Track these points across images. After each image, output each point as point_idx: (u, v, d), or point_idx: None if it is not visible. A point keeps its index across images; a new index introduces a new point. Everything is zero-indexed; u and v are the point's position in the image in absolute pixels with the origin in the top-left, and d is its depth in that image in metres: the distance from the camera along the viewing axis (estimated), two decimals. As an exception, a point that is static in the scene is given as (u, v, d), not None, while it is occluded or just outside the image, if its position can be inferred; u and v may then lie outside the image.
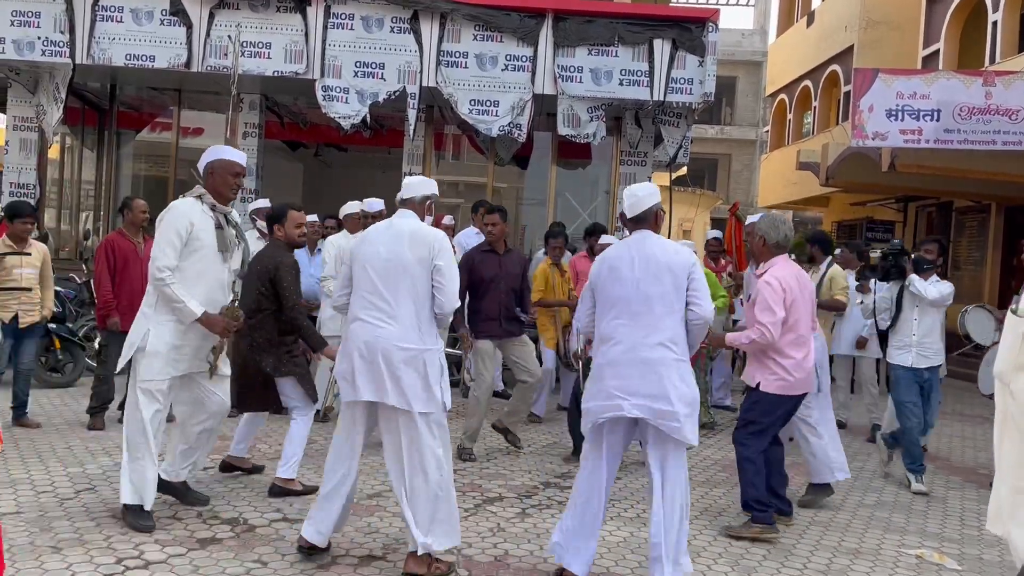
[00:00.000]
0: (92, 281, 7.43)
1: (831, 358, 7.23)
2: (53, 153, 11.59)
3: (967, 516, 5.53)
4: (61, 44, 9.48)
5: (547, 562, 4.12)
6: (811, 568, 4.34)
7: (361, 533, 4.35)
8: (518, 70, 9.59)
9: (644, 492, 5.49)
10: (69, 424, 6.41)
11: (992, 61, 14.00)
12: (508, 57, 9.59)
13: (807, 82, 20.68)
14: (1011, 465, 1.87)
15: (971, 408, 10.26)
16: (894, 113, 10.82)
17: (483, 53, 9.58)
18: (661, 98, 9.51)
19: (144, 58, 9.47)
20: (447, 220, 8.95)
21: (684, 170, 21.43)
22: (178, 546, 4.01)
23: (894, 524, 5.21)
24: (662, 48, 9.49)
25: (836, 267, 7.30)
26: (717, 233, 9.44)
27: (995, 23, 14.21)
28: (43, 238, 8.94)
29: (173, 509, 4.54)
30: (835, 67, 19.01)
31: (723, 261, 9.22)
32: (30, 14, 9.45)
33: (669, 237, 5.40)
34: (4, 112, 10.92)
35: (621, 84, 9.55)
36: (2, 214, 7.38)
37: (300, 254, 6.57)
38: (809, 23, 20.60)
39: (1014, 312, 1.89)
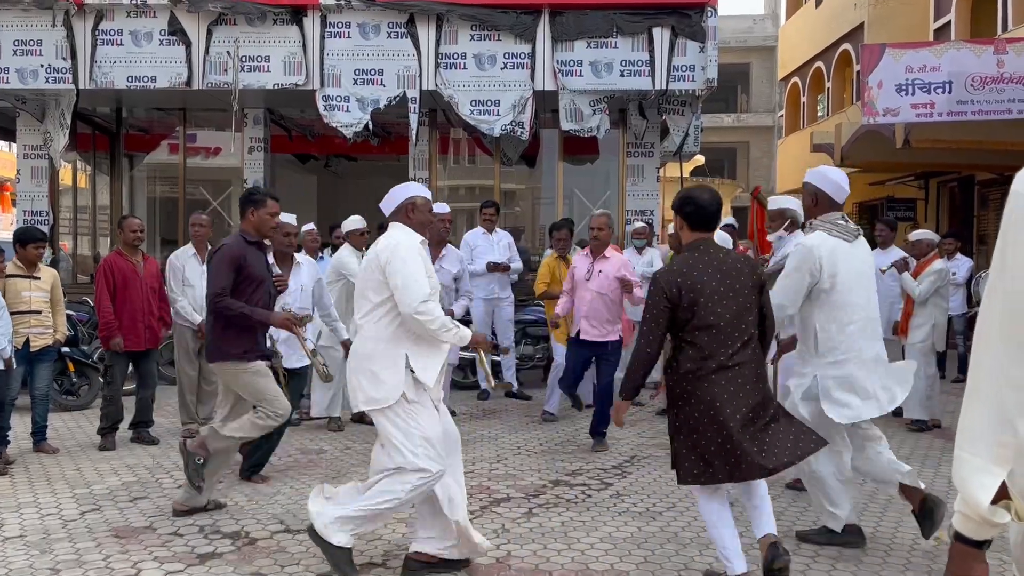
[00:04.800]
0: (98, 303, 7.46)
1: None
2: (68, 179, 11.71)
3: (991, 494, 5.35)
4: (64, 70, 9.55)
5: (548, 561, 4.05)
6: (823, 554, 4.22)
7: (364, 541, 4.30)
8: (517, 68, 9.52)
9: (655, 487, 5.41)
10: (81, 446, 6.44)
11: (1004, 30, 13.68)
12: (506, 55, 9.52)
13: (819, 63, 20.39)
14: None
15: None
16: (904, 88, 10.58)
17: (481, 53, 9.52)
18: (663, 87, 9.40)
19: (145, 79, 9.51)
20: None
21: (702, 160, 21.23)
22: (177, 563, 3.98)
23: (913, 506, 5.05)
24: (661, 36, 9.38)
25: None
26: (731, 220, 9.31)
27: (1006, -9, 13.89)
28: (53, 263, 9.02)
29: (176, 525, 4.52)
30: (846, 46, 18.72)
31: (741, 246, 9.08)
32: (32, 42, 9.54)
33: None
34: (15, 141, 11.05)
35: (622, 75, 9.44)
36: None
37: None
38: (818, 3, 20.32)
39: None
